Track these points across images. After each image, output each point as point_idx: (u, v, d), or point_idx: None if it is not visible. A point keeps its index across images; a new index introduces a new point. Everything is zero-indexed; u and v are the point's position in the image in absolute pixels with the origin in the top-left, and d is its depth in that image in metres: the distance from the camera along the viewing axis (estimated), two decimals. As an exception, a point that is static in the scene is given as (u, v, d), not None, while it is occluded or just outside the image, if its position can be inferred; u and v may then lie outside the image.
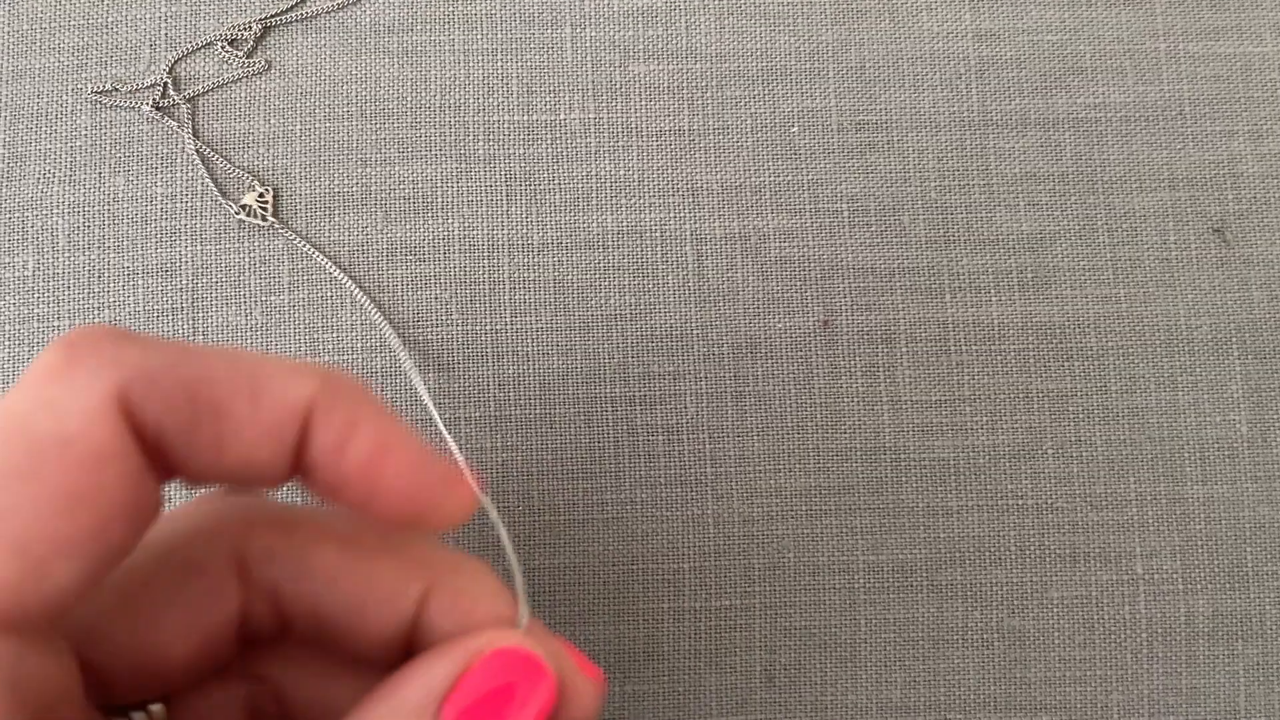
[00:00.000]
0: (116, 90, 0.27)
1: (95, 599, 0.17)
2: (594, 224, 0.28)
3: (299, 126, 0.28)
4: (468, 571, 0.19)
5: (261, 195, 0.26)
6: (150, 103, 0.26)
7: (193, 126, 0.27)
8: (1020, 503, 0.28)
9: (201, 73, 0.28)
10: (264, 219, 0.26)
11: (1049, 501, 0.28)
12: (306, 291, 0.27)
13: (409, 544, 0.19)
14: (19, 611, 0.15)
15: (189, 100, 0.27)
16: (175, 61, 0.27)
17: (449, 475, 0.18)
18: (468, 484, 0.18)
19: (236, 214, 0.26)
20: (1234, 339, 0.28)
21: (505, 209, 0.28)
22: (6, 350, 0.27)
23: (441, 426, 0.20)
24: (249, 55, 0.28)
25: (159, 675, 0.18)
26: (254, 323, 0.27)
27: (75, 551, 0.15)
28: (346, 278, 0.27)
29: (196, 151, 0.27)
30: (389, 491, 0.17)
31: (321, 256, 0.26)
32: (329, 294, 0.27)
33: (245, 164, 0.28)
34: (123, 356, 0.16)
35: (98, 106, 0.28)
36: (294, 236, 0.27)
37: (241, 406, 0.16)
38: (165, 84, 0.26)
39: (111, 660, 0.18)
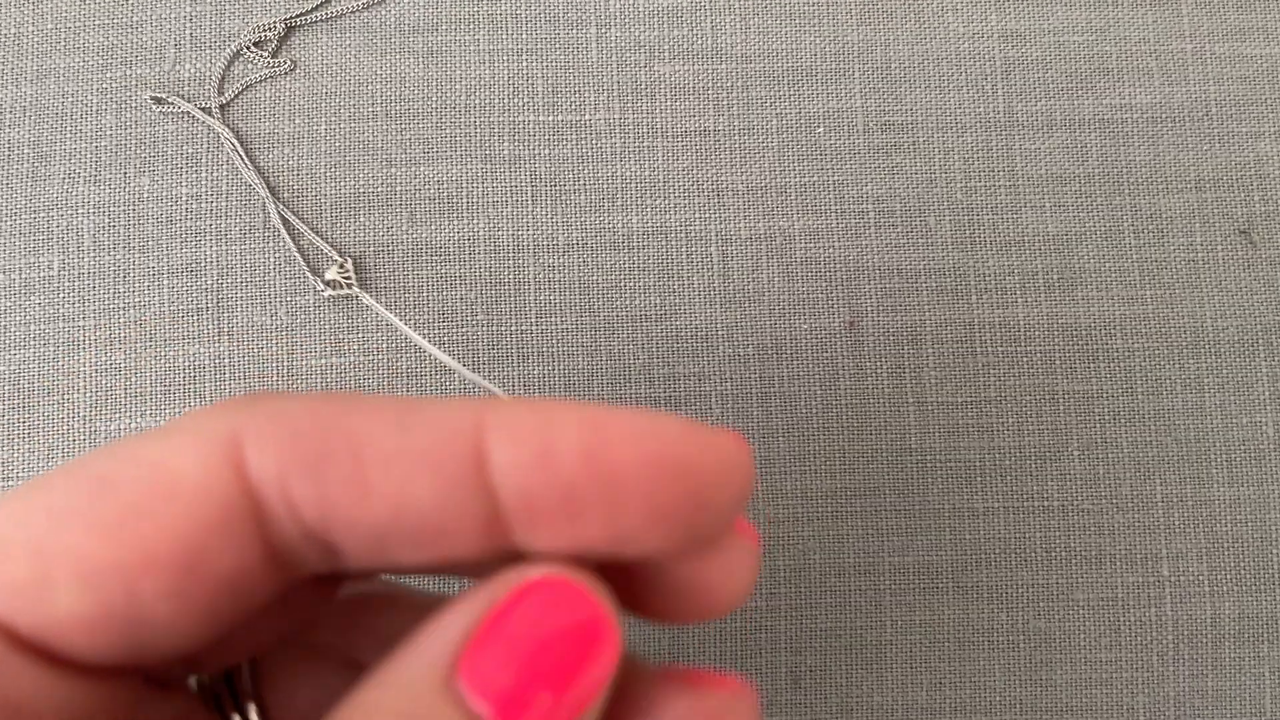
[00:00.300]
0: (166, 98, 0.27)
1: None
2: (619, 225, 0.28)
3: (324, 127, 0.28)
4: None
5: (343, 266, 0.26)
6: (201, 107, 0.26)
7: (237, 137, 0.27)
8: (1046, 504, 0.28)
9: (229, 74, 0.28)
10: (350, 291, 0.26)
11: (1075, 503, 0.28)
12: (328, 291, 0.27)
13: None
14: (82, 649, 0.14)
15: (222, 105, 0.27)
16: (227, 65, 0.27)
17: (714, 440, 0.14)
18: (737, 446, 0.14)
19: (322, 290, 0.26)
20: (1261, 340, 0.28)
21: (530, 210, 0.28)
22: (33, 350, 0.27)
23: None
24: (274, 55, 0.28)
25: (233, 653, 0.16)
26: (279, 323, 0.27)
27: (115, 585, 0.13)
28: (429, 345, 0.26)
29: (281, 220, 0.27)
30: (636, 484, 0.14)
31: (403, 326, 0.26)
32: (354, 294, 0.27)
33: (270, 164, 0.28)
34: (253, 408, 0.14)
35: (122, 106, 0.28)
36: (378, 306, 0.27)
37: (386, 435, 0.14)
38: (217, 88, 0.26)
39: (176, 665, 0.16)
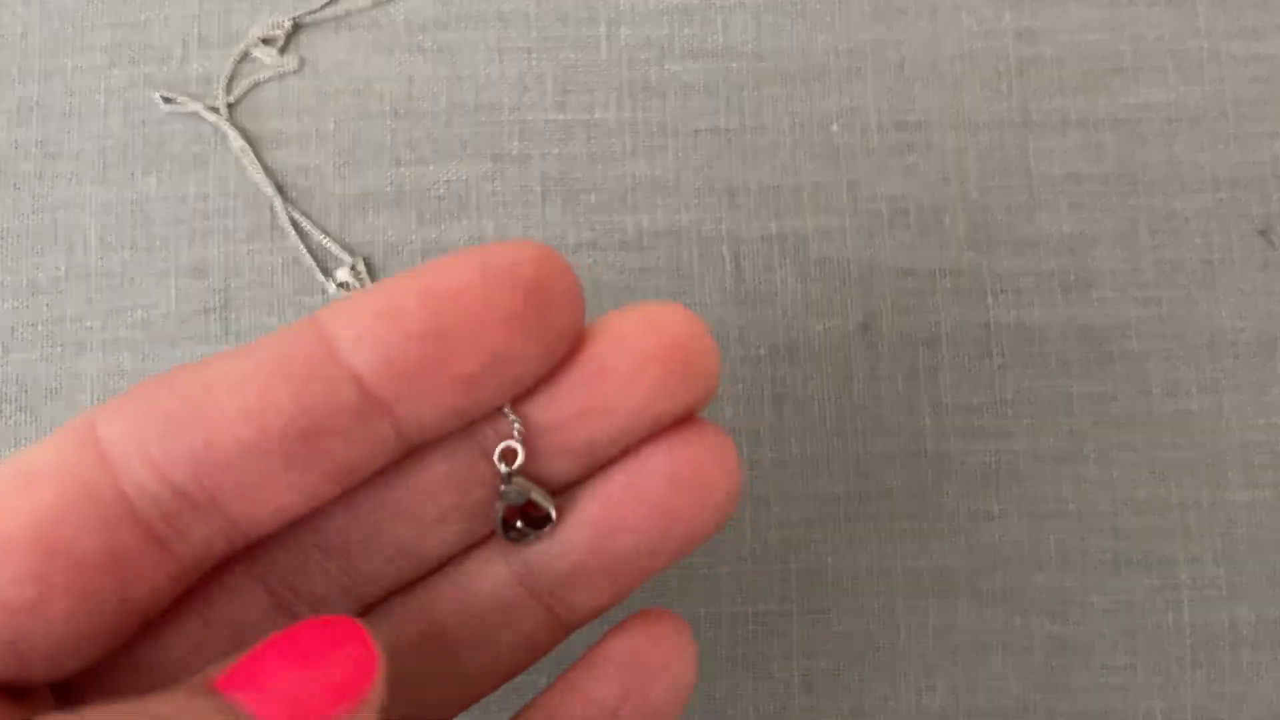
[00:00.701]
0: (174, 97, 0.27)
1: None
2: (630, 224, 0.28)
3: (332, 125, 0.28)
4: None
5: (354, 267, 0.26)
6: (208, 106, 0.26)
7: (244, 136, 0.27)
8: (1062, 508, 0.27)
9: (236, 73, 0.28)
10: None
11: (1091, 506, 0.27)
12: (339, 293, 0.27)
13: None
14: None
15: (230, 104, 0.27)
16: (234, 64, 0.27)
17: (524, 246, 0.16)
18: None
19: (333, 291, 0.26)
20: (1278, 342, 0.28)
21: (541, 209, 0.28)
22: (39, 350, 0.27)
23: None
24: (281, 54, 0.28)
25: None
26: (286, 322, 0.27)
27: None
28: None
29: (289, 220, 0.26)
30: (479, 304, 0.15)
31: None
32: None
33: (278, 163, 0.28)
34: (114, 399, 0.15)
35: (129, 105, 0.28)
36: None
37: (234, 365, 0.15)
38: (225, 87, 0.26)
39: (136, 684, 0.16)
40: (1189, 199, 0.29)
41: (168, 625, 0.16)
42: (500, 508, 0.17)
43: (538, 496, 0.17)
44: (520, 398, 0.16)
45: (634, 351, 0.16)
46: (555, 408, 0.16)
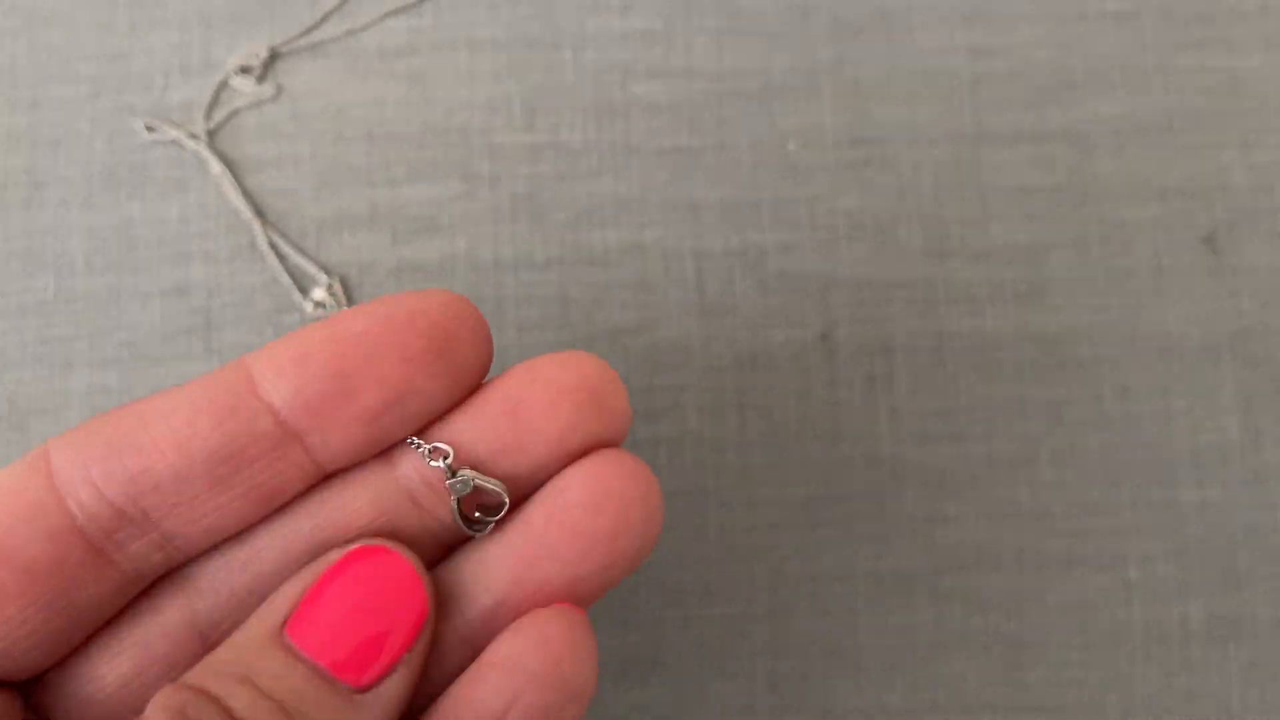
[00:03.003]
0: (156, 125, 0.29)
1: None
2: (597, 241, 0.30)
3: (308, 149, 0.30)
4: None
5: (331, 287, 0.28)
6: (189, 133, 0.28)
7: (224, 161, 0.29)
8: (1017, 509, 0.29)
9: (216, 100, 0.30)
10: (338, 310, 0.28)
11: (1045, 508, 0.29)
12: (316, 312, 0.29)
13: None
14: None
15: (210, 131, 0.29)
16: (214, 92, 0.28)
17: (431, 295, 0.18)
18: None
19: (309, 310, 0.28)
20: (1225, 346, 0.30)
21: (510, 227, 0.30)
22: (29, 370, 0.29)
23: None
24: (259, 82, 0.30)
25: (121, 707, 0.19)
26: (266, 340, 0.29)
27: None
28: None
29: (267, 242, 0.28)
30: (382, 345, 0.18)
31: None
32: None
33: (257, 187, 0.30)
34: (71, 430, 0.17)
35: (113, 133, 0.30)
36: None
37: (166, 398, 0.17)
38: (205, 115, 0.28)
39: (65, 706, 0.18)
40: (1138, 209, 0.30)
41: (112, 638, 0.19)
42: (454, 502, 0.19)
43: (484, 483, 0.19)
44: (443, 435, 0.18)
45: (548, 388, 0.18)
46: (476, 444, 0.18)
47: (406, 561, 0.18)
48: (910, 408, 0.29)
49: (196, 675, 0.16)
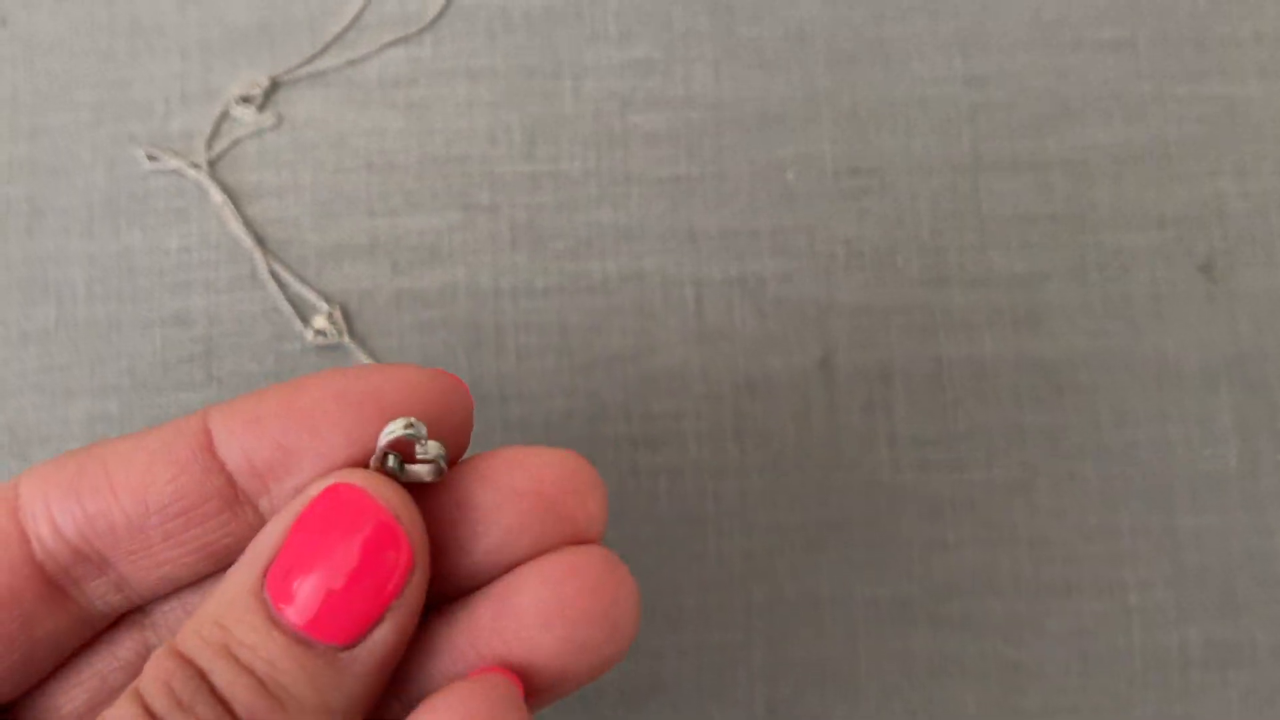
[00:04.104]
0: (157, 154, 0.29)
1: None
2: (596, 269, 0.30)
3: (309, 179, 0.30)
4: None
5: (331, 316, 0.29)
6: (190, 162, 0.29)
7: (225, 190, 0.29)
8: (1015, 536, 0.30)
9: (217, 129, 0.31)
10: (338, 339, 0.28)
11: (1044, 534, 0.30)
12: (316, 340, 0.30)
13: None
14: None
15: (211, 160, 0.30)
16: (216, 121, 0.29)
17: (391, 370, 0.18)
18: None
19: (312, 340, 0.28)
20: (1222, 373, 0.30)
21: (510, 256, 0.30)
22: (29, 398, 0.29)
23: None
24: (260, 110, 0.30)
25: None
26: (266, 369, 0.30)
27: None
28: None
29: (268, 270, 0.29)
30: (330, 416, 0.17)
31: None
32: (342, 343, 0.30)
33: (257, 216, 0.30)
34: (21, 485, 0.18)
35: (114, 162, 0.30)
36: (364, 357, 0.29)
37: (127, 443, 0.18)
38: (206, 144, 0.29)
39: None
40: (1135, 236, 0.31)
41: (69, 670, 0.19)
42: (398, 465, 0.18)
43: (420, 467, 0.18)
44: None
45: (496, 491, 0.18)
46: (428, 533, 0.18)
47: (388, 503, 0.17)
48: (909, 434, 0.30)
49: (185, 638, 0.17)
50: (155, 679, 0.16)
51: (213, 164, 0.30)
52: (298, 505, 0.17)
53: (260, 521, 0.18)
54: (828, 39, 0.32)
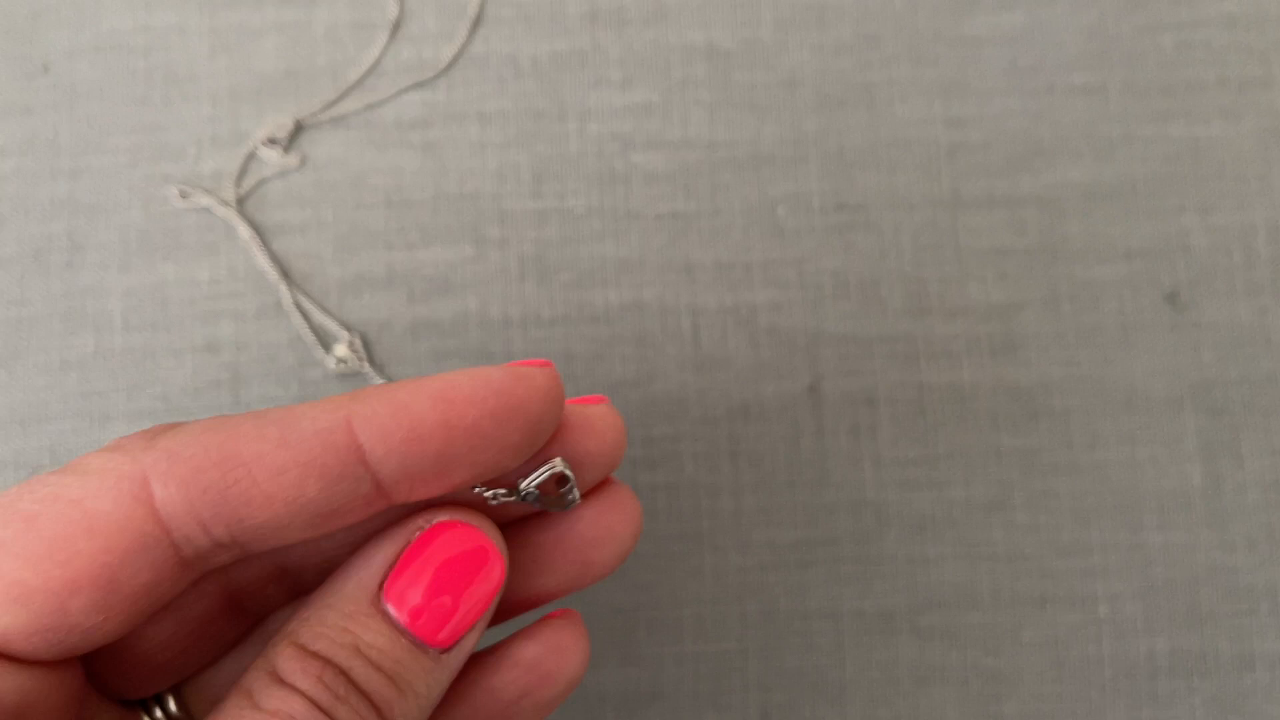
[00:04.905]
0: (189, 193, 0.32)
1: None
2: (599, 300, 0.33)
3: (331, 215, 0.33)
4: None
5: (352, 344, 0.31)
6: (220, 200, 0.31)
7: (252, 226, 0.32)
8: (993, 551, 0.32)
9: (245, 169, 0.33)
10: (359, 367, 0.31)
11: (1019, 550, 0.32)
12: (337, 367, 0.32)
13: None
14: (25, 652, 0.18)
15: (239, 198, 0.32)
16: (244, 162, 0.31)
17: (531, 377, 0.20)
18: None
19: (334, 368, 0.31)
20: (1187, 397, 0.33)
21: (519, 287, 0.33)
22: (69, 423, 0.32)
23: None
24: (285, 152, 0.33)
25: (160, 669, 0.22)
26: (291, 394, 0.32)
27: (46, 604, 0.18)
28: None
29: (293, 302, 0.32)
30: (485, 432, 0.19)
31: None
32: (362, 371, 0.32)
33: (282, 250, 0.33)
34: (153, 446, 0.19)
35: (148, 200, 0.33)
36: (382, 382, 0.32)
37: (274, 453, 0.18)
38: (235, 182, 0.31)
39: (110, 663, 0.21)
40: (1104, 269, 0.33)
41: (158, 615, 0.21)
42: (537, 501, 0.22)
43: (540, 478, 0.21)
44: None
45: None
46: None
47: (485, 535, 0.21)
48: (892, 455, 0.32)
49: (315, 640, 0.19)
50: (305, 673, 0.19)
51: (241, 202, 0.33)
52: (411, 532, 0.20)
53: (383, 508, 0.20)
54: (816, 84, 0.34)
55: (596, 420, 0.22)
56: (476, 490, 0.21)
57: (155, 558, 0.19)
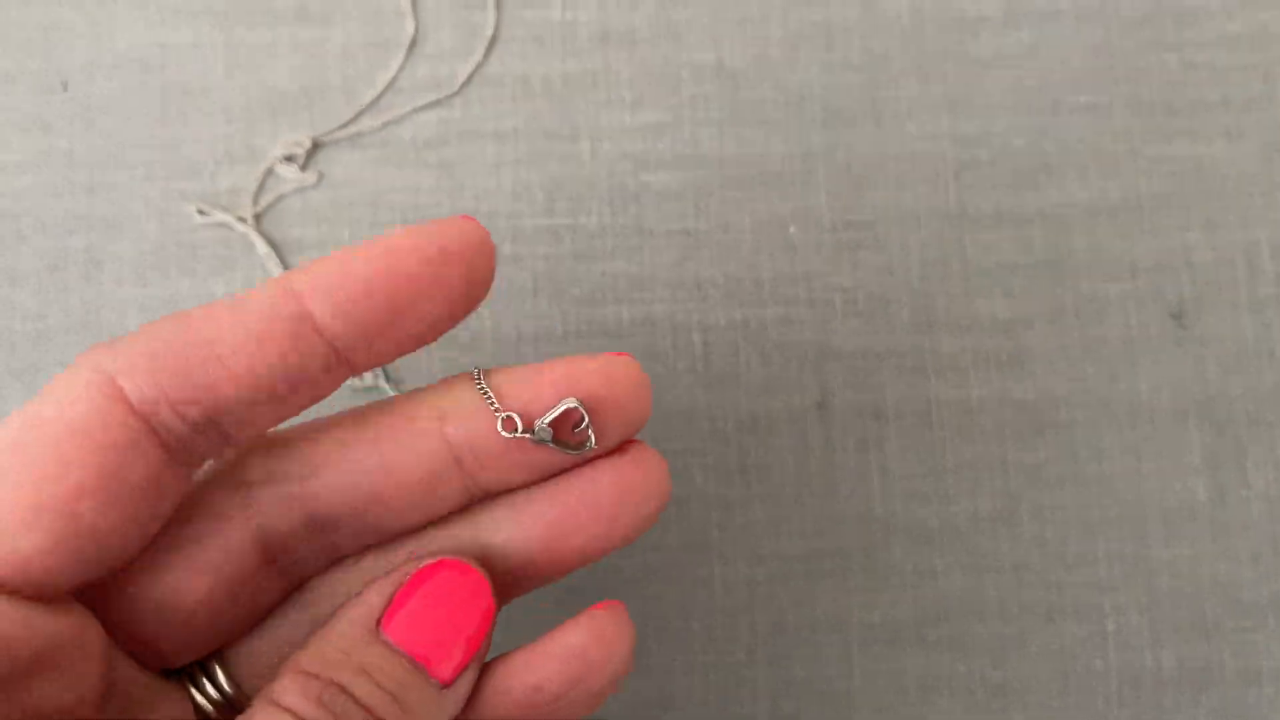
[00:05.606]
0: (207, 210, 0.32)
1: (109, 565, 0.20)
2: (611, 316, 0.33)
3: (347, 232, 0.33)
4: (454, 390, 0.22)
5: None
6: (237, 216, 0.32)
7: (269, 243, 0.32)
8: (999, 564, 0.32)
9: (262, 186, 0.34)
10: (375, 382, 0.32)
11: (1025, 562, 0.32)
12: (353, 382, 0.33)
13: (399, 404, 0.22)
14: (49, 576, 0.19)
15: (256, 215, 0.33)
16: (261, 179, 0.32)
17: (457, 224, 0.21)
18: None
19: (350, 383, 0.31)
20: (1192, 411, 0.33)
21: (532, 303, 0.33)
22: (89, 436, 0.32)
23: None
24: (302, 169, 0.33)
25: (199, 630, 0.22)
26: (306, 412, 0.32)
27: (36, 520, 0.19)
28: None
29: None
30: (426, 275, 0.20)
31: None
32: (379, 388, 0.33)
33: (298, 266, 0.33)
34: (111, 349, 0.20)
35: (165, 215, 0.33)
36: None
37: (231, 331, 0.20)
38: (253, 199, 0.32)
39: (145, 622, 0.22)
40: (1109, 285, 0.34)
41: (170, 556, 0.22)
42: (552, 443, 0.22)
43: (552, 415, 0.22)
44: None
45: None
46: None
47: (481, 576, 0.22)
48: (900, 469, 0.33)
49: (315, 665, 0.20)
50: (305, 694, 0.20)
51: (258, 218, 0.33)
52: (407, 571, 0.21)
53: (346, 370, 0.21)
54: (824, 101, 0.35)
55: (614, 367, 0.23)
56: (498, 426, 0.22)
57: (144, 450, 0.20)
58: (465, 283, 0.21)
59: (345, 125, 0.34)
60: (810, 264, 0.34)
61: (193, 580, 0.22)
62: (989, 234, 0.34)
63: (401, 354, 0.22)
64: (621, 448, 0.23)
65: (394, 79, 0.34)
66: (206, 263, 0.33)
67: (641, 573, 0.32)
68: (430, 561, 0.22)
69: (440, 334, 0.22)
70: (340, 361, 0.21)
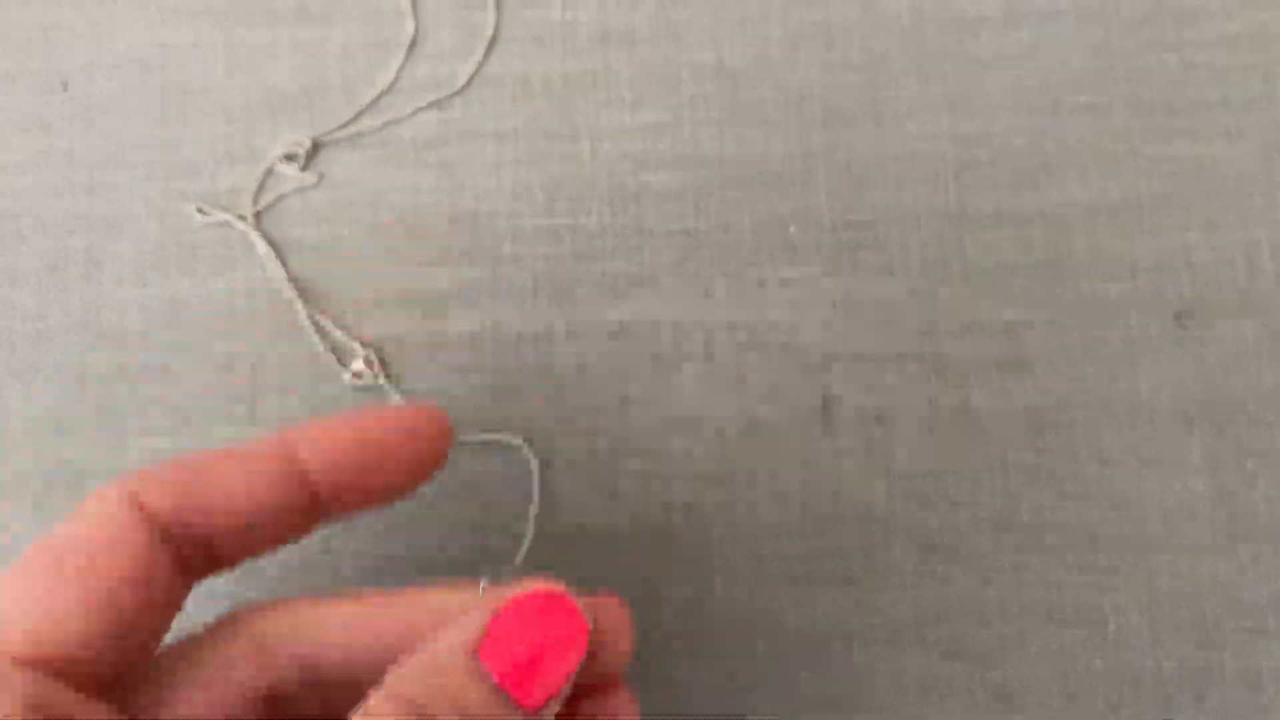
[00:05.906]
0: (207, 209, 0.32)
1: (134, 671, 0.23)
2: (613, 317, 0.33)
3: (347, 232, 0.33)
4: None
5: (369, 360, 0.32)
6: (238, 215, 0.32)
7: (269, 242, 0.32)
8: (1000, 566, 0.32)
9: (262, 186, 0.34)
10: (375, 381, 0.32)
11: (1026, 563, 0.32)
12: (354, 382, 0.32)
13: (411, 592, 0.25)
14: (37, 650, 0.21)
15: (257, 214, 0.33)
16: (261, 178, 0.32)
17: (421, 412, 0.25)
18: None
19: (349, 382, 0.32)
20: (1193, 413, 0.33)
21: (533, 304, 0.33)
22: (89, 437, 0.32)
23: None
24: (303, 169, 0.33)
25: None
26: (307, 409, 0.32)
27: (85, 611, 0.21)
28: None
29: (309, 318, 0.33)
30: (393, 449, 0.24)
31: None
32: (379, 385, 0.33)
33: (299, 266, 0.33)
34: (136, 476, 0.23)
35: (165, 215, 0.33)
36: (399, 399, 0.32)
37: (231, 469, 0.23)
38: (253, 199, 0.32)
39: None
40: (1110, 286, 0.34)
41: (184, 693, 0.24)
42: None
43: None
44: None
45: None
46: None
47: (576, 606, 0.23)
48: (902, 471, 0.33)
49: (408, 687, 0.21)
50: (395, 715, 0.20)
51: (258, 217, 0.33)
52: (503, 595, 0.23)
53: (316, 522, 0.25)
54: (824, 101, 0.35)
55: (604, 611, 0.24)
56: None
57: (162, 555, 0.23)
58: (425, 452, 0.25)
59: (345, 125, 0.34)
60: (811, 264, 0.34)
61: (201, 710, 0.23)
62: (989, 234, 0.34)
63: (361, 510, 0.25)
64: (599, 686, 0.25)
65: (394, 79, 0.34)
66: (206, 262, 0.33)
67: (644, 574, 0.32)
68: (530, 590, 0.23)
69: (394, 498, 0.25)
70: (315, 506, 0.24)
